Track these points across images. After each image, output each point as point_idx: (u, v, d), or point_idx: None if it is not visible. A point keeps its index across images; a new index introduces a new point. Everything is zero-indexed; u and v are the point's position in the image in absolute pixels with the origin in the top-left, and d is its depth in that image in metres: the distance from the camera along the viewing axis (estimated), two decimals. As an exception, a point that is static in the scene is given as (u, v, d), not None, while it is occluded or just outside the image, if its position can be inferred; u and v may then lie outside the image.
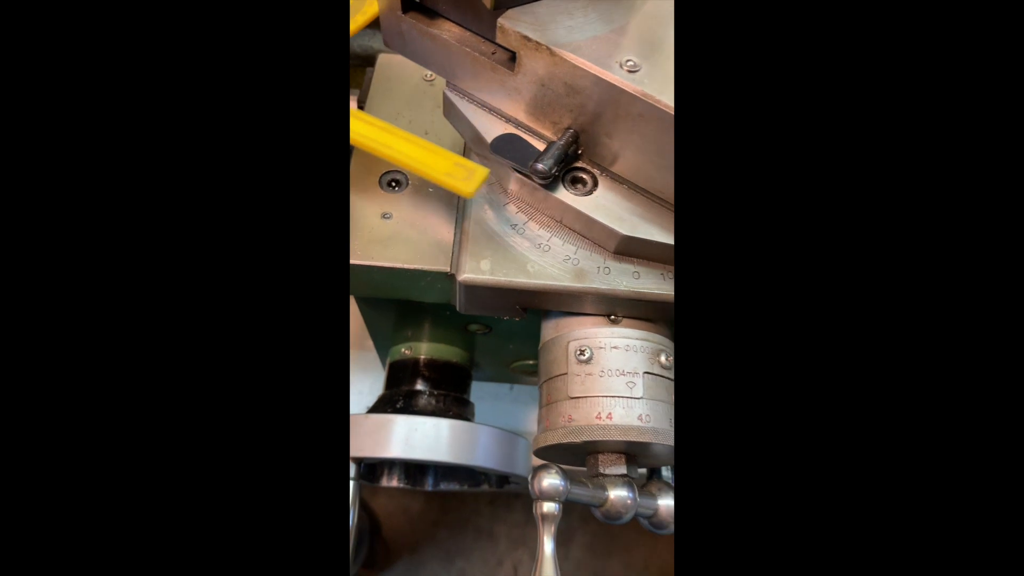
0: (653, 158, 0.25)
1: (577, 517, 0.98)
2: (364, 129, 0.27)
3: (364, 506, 0.92)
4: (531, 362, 0.44)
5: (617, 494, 0.25)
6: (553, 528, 0.23)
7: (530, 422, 0.62)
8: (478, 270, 0.27)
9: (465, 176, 0.24)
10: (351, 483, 0.35)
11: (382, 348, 0.45)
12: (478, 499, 1.00)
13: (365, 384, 0.62)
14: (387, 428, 0.35)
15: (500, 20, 0.25)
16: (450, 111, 0.30)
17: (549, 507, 0.23)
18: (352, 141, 0.27)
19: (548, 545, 0.22)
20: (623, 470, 0.26)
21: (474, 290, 0.27)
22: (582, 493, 0.24)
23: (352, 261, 0.31)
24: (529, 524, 1.00)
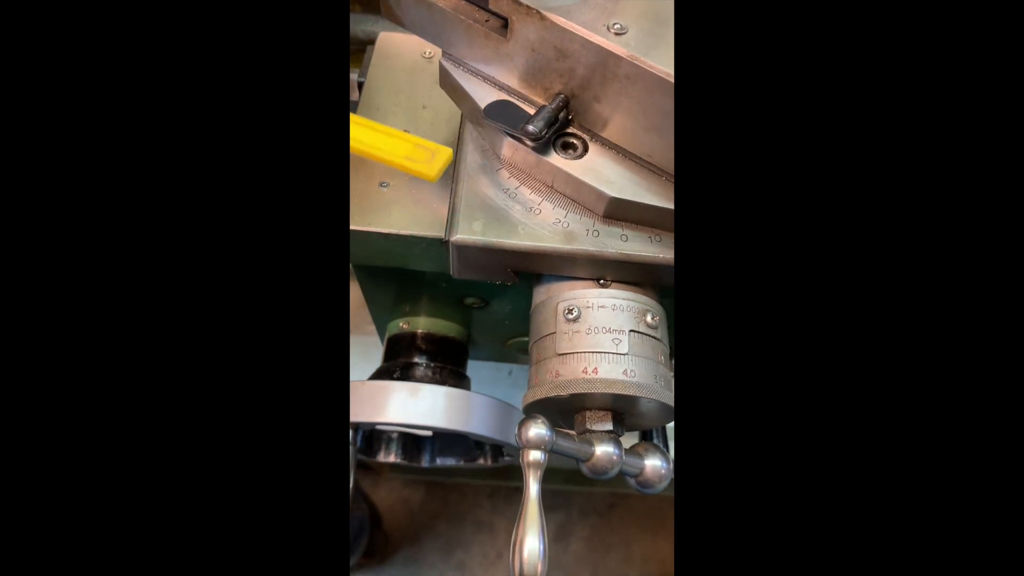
0: (641, 121, 0.26)
1: (577, 511, 0.99)
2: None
3: (365, 498, 0.92)
4: (526, 339, 0.45)
5: (603, 449, 0.26)
6: (539, 474, 0.24)
7: (502, 376, 0.62)
8: (470, 231, 0.28)
9: (427, 159, 0.24)
10: (350, 448, 0.36)
11: (380, 323, 0.46)
12: (478, 493, 1.01)
13: (361, 369, 0.63)
14: (385, 394, 0.36)
15: (492, -16, 0.25)
16: (446, 80, 0.31)
17: (535, 455, 0.24)
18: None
19: (533, 488, 0.23)
20: (609, 426, 0.27)
21: (466, 251, 0.28)
22: (568, 445, 0.25)
23: (355, 227, 0.32)
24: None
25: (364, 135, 0.25)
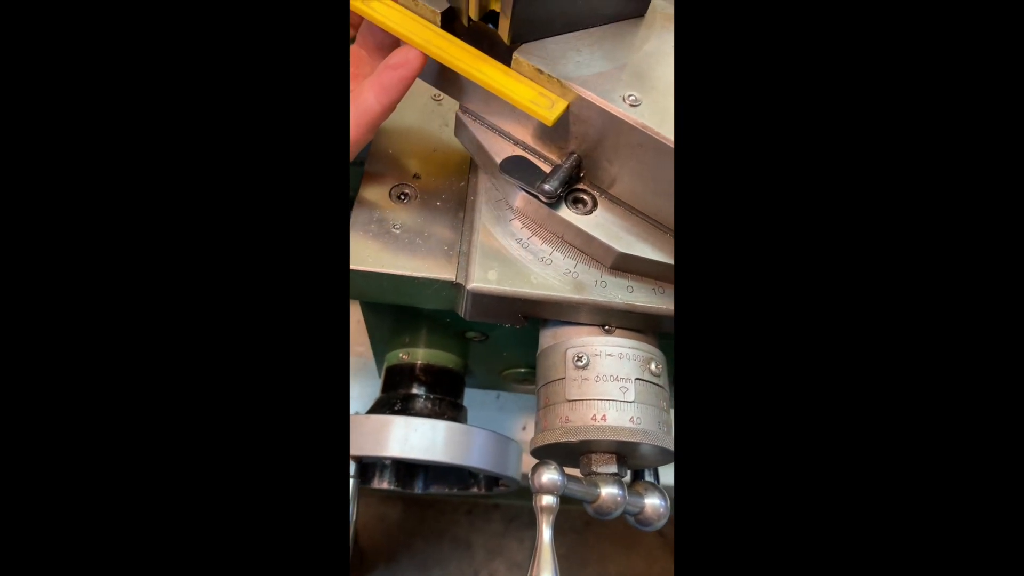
0: (648, 183, 0.28)
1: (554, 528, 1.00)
2: (457, 52, 0.27)
3: (342, 514, 0.91)
4: (522, 370, 0.46)
5: (608, 491, 0.27)
6: (551, 519, 0.25)
7: (515, 430, 0.63)
8: (486, 280, 0.29)
9: (548, 105, 0.26)
10: (351, 481, 0.36)
11: (379, 352, 0.46)
12: (456, 509, 1.01)
13: (355, 389, 0.63)
14: (386, 428, 0.37)
15: (515, 53, 0.27)
16: (461, 132, 0.32)
17: (548, 500, 0.25)
18: (443, 60, 0.27)
19: (547, 532, 0.24)
20: (614, 469, 0.28)
21: (481, 298, 0.29)
22: (577, 489, 0.27)
23: (363, 268, 0.33)
24: (506, 535, 1.01)
25: (496, 75, 0.27)
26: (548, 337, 0.31)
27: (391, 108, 0.29)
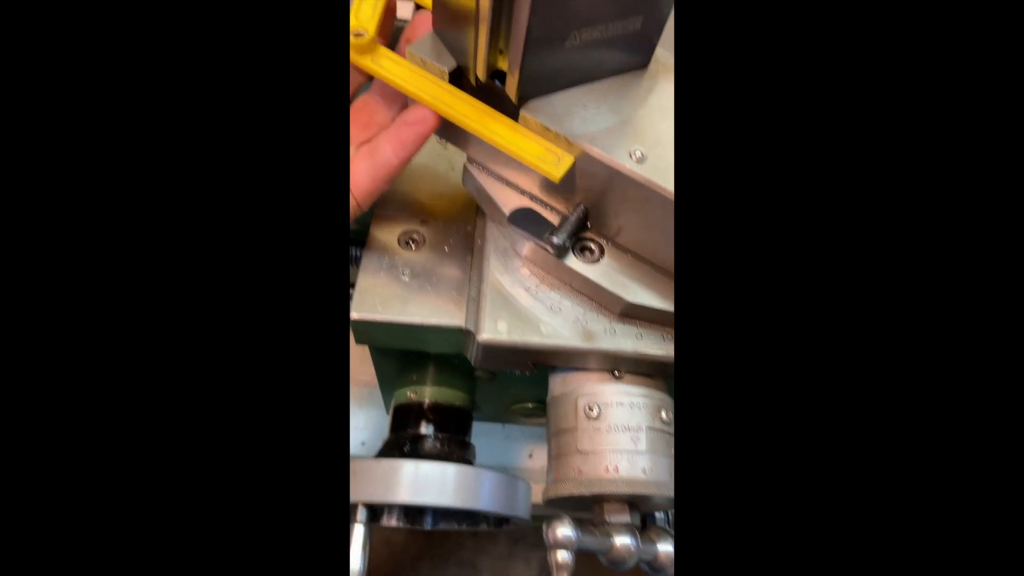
0: (655, 234, 0.28)
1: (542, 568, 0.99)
2: (466, 109, 0.28)
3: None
4: (530, 405, 0.46)
5: (622, 542, 0.27)
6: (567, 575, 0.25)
7: (522, 458, 0.63)
8: (496, 331, 0.29)
9: (555, 162, 0.27)
10: (361, 527, 0.36)
11: (387, 389, 0.47)
12: (461, 532, 1.00)
13: (360, 419, 0.63)
14: (395, 474, 0.37)
15: (522, 111, 0.27)
16: (469, 181, 0.33)
17: (563, 556, 0.25)
18: (451, 118, 0.28)
19: (564, 592, 0.24)
20: (627, 519, 0.28)
21: (491, 349, 0.29)
22: (590, 541, 0.27)
23: (373, 317, 0.33)
24: (512, 557, 1.00)
25: (503, 132, 0.28)
26: (558, 383, 0.32)
27: (407, 162, 0.29)
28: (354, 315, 0.33)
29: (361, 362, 0.49)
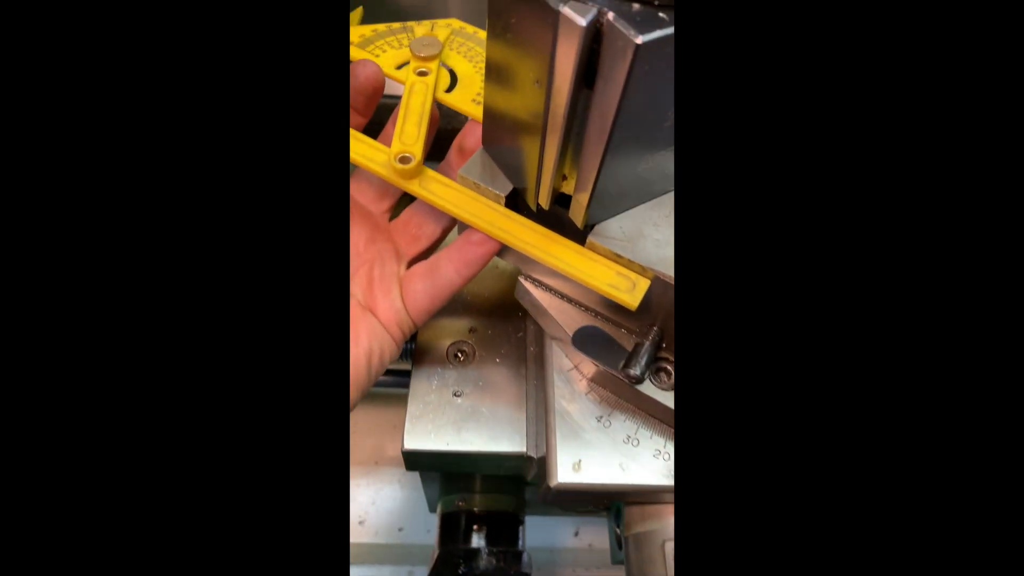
0: (741, 358, 0.26)
1: None
2: (527, 236, 0.26)
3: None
4: (589, 507, 0.43)
5: None
6: None
7: (567, 536, 0.60)
8: (571, 474, 0.26)
9: (629, 288, 0.24)
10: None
11: (432, 495, 0.44)
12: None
13: (389, 497, 0.60)
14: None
15: (590, 237, 0.25)
16: (524, 296, 0.30)
17: None
18: (513, 245, 0.26)
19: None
20: None
21: (565, 493, 0.27)
22: None
23: (427, 447, 0.30)
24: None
25: (570, 258, 0.25)
26: (636, 515, 0.29)
27: (470, 280, 0.28)
28: (407, 446, 0.31)
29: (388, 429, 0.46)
